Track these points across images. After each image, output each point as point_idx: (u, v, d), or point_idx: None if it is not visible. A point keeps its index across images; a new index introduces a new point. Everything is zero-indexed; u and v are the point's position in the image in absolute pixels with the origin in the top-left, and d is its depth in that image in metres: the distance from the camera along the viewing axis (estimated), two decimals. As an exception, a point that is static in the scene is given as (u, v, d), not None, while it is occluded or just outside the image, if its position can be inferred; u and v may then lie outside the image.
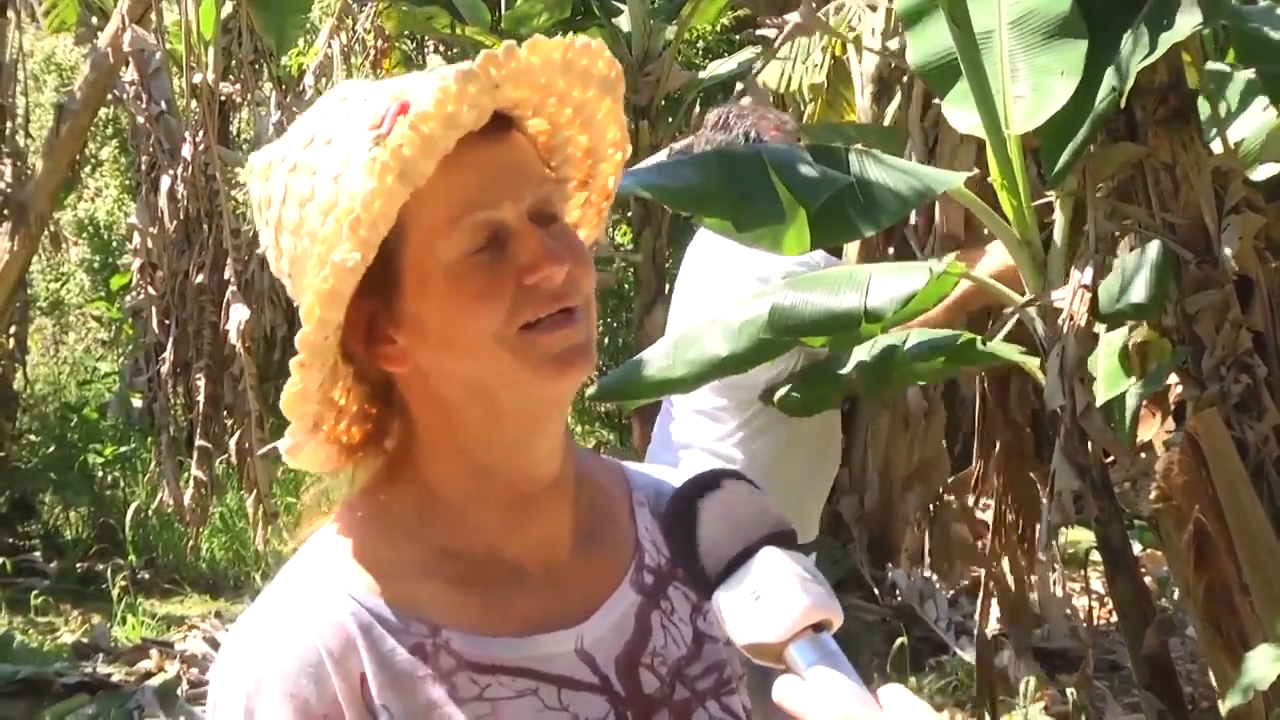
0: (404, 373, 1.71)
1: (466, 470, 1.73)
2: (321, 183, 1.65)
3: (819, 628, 1.54)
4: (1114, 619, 6.03)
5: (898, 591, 8.42)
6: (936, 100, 5.63)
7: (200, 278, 9.85)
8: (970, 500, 5.94)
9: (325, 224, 1.64)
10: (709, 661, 1.81)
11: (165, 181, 9.96)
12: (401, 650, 1.67)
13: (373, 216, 1.58)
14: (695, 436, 5.09)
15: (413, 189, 1.59)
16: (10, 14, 10.21)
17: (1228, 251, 4.27)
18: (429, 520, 1.74)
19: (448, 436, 1.73)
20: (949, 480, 7.42)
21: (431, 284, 1.65)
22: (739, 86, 9.00)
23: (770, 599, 1.54)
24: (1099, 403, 4.42)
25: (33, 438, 11.91)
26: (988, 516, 5.94)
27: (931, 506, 7.37)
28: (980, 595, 5.68)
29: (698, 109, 10.59)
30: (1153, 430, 4.61)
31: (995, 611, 5.71)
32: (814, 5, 7.89)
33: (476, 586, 1.72)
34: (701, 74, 10.92)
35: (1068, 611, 7.89)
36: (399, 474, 1.76)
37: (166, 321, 10.04)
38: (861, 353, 4.71)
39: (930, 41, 4.58)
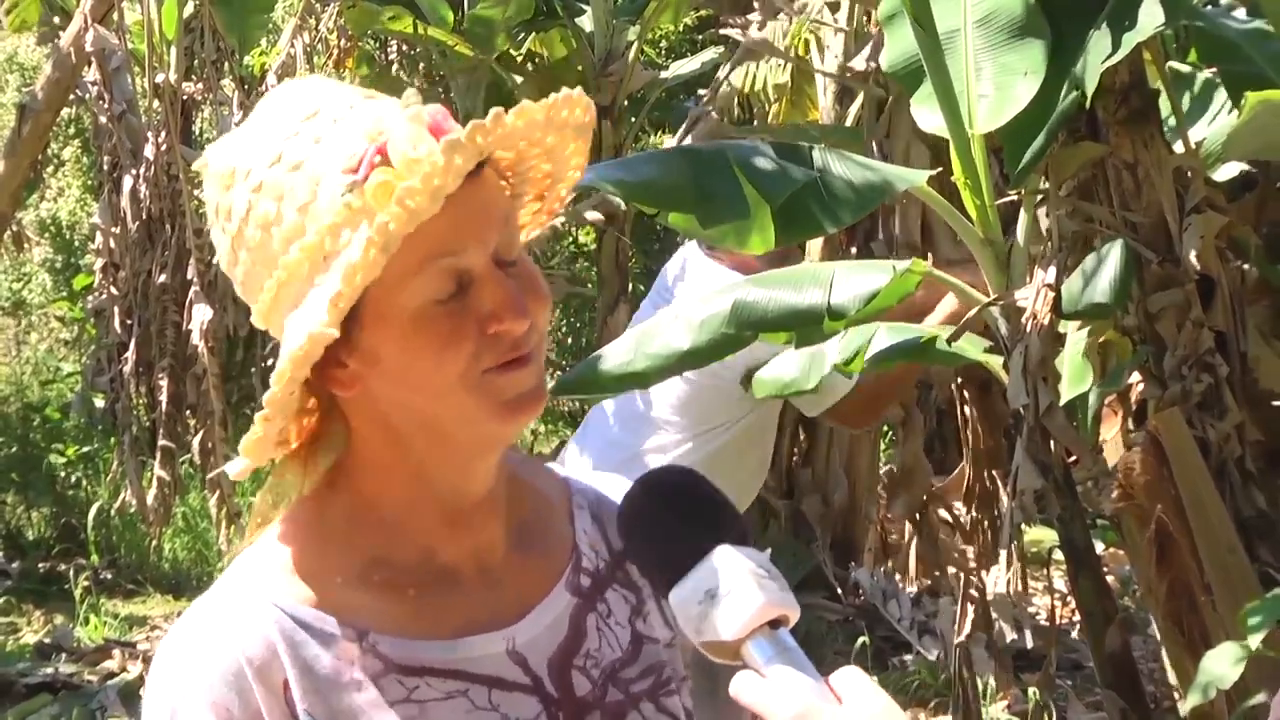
0: (351, 395, 1.71)
1: (403, 484, 1.74)
2: (287, 209, 1.64)
3: (775, 624, 1.54)
4: (1076, 618, 6.05)
5: (861, 591, 8.44)
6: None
7: (163, 277, 9.79)
8: (959, 504, 5.93)
9: (289, 252, 1.63)
10: (647, 663, 1.82)
11: (127, 181, 9.91)
12: (326, 656, 1.68)
13: (353, 290, 1.59)
14: (644, 443, 5.07)
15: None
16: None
17: (1189, 251, 4.29)
18: (363, 528, 1.75)
19: (389, 455, 1.74)
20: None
21: (393, 324, 1.65)
22: (702, 92, 8.98)
23: (726, 597, 1.54)
24: (1062, 402, 4.43)
25: (-6, 438, 11.85)
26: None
27: (918, 513, 7.35)
28: (959, 598, 5.67)
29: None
30: (1115, 429, 4.62)
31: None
32: (776, 8, 7.90)
33: (409, 591, 1.73)
34: (664, 74, 10.91)
35: (1017, 611, 7.92)
36: (335, 484, 1.77)
37: (129, 321, 9.98)
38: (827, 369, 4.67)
39: (902, 43, 4.57)
